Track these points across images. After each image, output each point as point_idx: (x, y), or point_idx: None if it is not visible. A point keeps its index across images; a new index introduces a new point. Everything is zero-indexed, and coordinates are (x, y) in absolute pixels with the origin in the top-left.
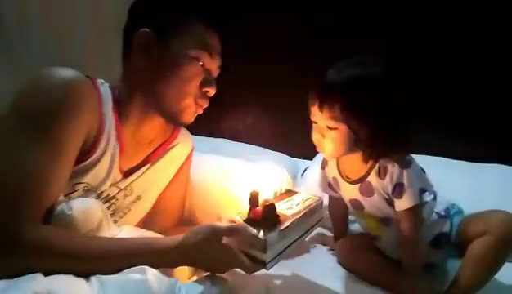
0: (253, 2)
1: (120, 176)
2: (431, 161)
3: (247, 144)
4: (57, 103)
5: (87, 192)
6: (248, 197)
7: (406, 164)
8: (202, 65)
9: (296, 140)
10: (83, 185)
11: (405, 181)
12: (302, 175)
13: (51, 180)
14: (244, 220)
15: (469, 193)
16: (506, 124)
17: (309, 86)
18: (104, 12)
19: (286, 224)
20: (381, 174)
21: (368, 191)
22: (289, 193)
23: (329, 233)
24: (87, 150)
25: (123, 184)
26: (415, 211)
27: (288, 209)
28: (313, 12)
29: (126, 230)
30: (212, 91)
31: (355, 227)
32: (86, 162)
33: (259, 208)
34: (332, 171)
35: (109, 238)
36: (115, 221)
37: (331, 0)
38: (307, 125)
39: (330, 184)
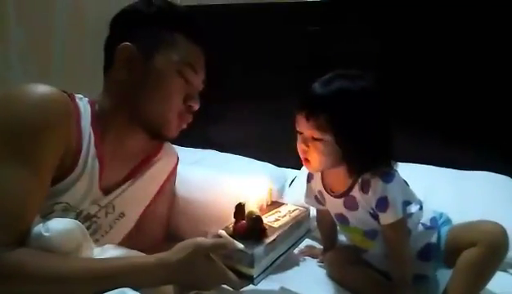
0: (237, 13)
1: (101, 194)
2: (417, 169)
3: (234, 155)
4: (32, 121)
5: (66, 211)
6: (233, 210)
7: (388, 178)
8: (186, 80)
9: (284, 150)
10: (61, 205)
11: (388, 195)
12: (290, 185)
13: (26, 201)
14: (230, 235)
15: (456, 201)
16: (493, 131)
17: (296, 97)
18: (83, 24)
19: (273, 237)
20: (364, 188)
21: (352, 205)
22: (276, 204)
23: (318, 246)
24: (64, 169)
25: (103, 202)
26: (400, 224)
27: (275, 221)
28: (303, 21)
29: (107, 250)
30: (195, 106)
31: (344, 238)
32: (64, 181)
33: (245, 222)
34: (317, 185)
35: (87, 258)
36: (97, 240)
37: (320, 9)
38: (295, 135)
39: (316, 197)
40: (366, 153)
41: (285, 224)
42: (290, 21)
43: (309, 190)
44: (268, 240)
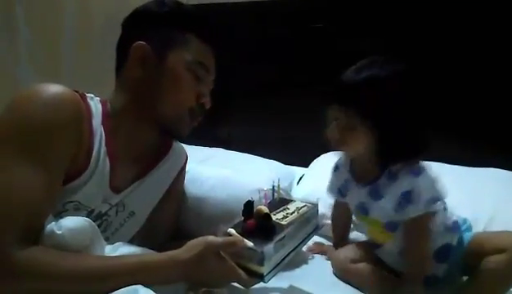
0: (241, 12)
1: (111, 193)
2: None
3: (242, 154)
4: (44, 120)
5: (78, 210)
6: (242, 208)
7: (418, 171)
8: (198, 78)
9: (291, 148)
10: (73, 204)
11: (415, 189)
12: (298, 183)
13: (39, 200)
14: (240, 233)
15: (466, 198)
16: (503, 127)
17: (302, 94)
18: (91, 24)
19: (282, 235)
20: (392, 178)
21: (377, 194)
22: (284, 201)
23: (326, 242)
24: (76, 168)
25: (114, 201)
26: (424, 219)
27: (283, 218)
28: (307, 19)
29: (118, 247)
30: (207, 104)
31: (354, 235)
32: (76, 181)
33: (254, 219)
34: (344, 174)
35: (99, 256)
36: (107, 238)
37: (324, 6)
38: (303, 132)
39: (339, 189)
40: (398, 142)
41: (293, 221)
42: (294, 19)
43: (334, 180)
44: (278, 238)
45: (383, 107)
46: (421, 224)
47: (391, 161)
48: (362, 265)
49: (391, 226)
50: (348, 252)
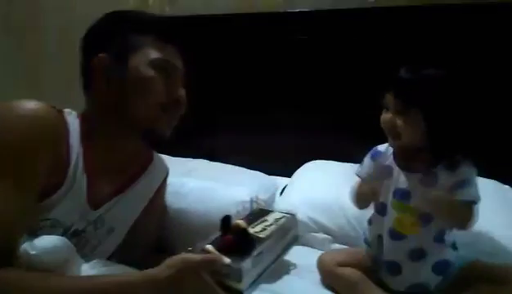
0: (227, 24)
1: (89, 209)
2: None
3: (225, 164)
4: (19, 138)
5: (54, 228)
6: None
7: (471, 164)
8: (164, 75)
9: (274, 158)
10: (48, 221)
11: (472, 178)
12: (281, 193)
13: (12, 220)
14: (218, 249)
15: None
16: (501, 140)
17: (286, 105)
18: (73, 39)
19: (260, 249)
20: (452, 167)
21: (431, 182)
22: (263, 213)
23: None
24: (52, 185)
25: (92, 217)
26: (473, 209)
27: (262, 231)
28: (291, 30)
29: (96, 265)
30: (182, 99)
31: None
32: (51, 198)
33: (232, 234)
34: (385, 160)
35: (73, 277)
36: (85, 255)
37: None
38: (286, 142)
39: (375, 173)
40: (457, 135)
41: (272, 233)
42: (281, 31)
43: (369, 166)
44: (255, 252)
45: (437, 98)
46: (471, 210)
47: (449, 152)
48: (349, 270)
49: (426, 218)
50: (335, 255)
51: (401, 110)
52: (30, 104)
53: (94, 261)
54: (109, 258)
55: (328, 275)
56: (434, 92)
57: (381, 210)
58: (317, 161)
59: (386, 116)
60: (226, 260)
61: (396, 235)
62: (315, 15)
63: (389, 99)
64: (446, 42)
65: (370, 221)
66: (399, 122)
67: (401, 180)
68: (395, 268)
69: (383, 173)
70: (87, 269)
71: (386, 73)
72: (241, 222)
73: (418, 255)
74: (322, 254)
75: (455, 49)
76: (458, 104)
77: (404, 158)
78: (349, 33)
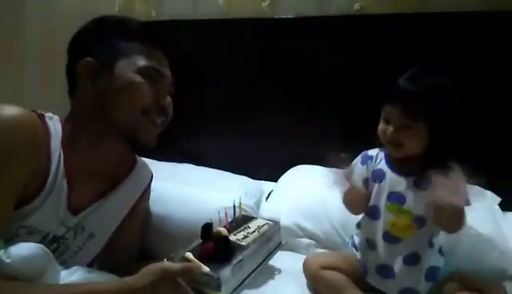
0: (215, 28)
1: (69, 214)
2: None
3: (210, 169)
4: None
5: (31, 234)
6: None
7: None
8: (151, 82)
9: (260, 162)
10: (26, 228)
11: (466, 185)
12: (267, 198)
13: None
14: (197, 257)
15: None
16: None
17: (271, 111)
18: (56, 42)
19: (240, 257)
20: (447, 172)
21: (425, 184)
22: (246, 219)
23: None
24: (31, 192)
25: (72, 223)
26: (464, 214)
27: (243, 238)
28: (279, 37)
29: (75, 272)
30: (168, 106)
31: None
32: (29, 204)
33: (212, 242)
34: (377, 165)
35: (48, 285)
36: (64, 261)
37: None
38: (271, 147)
39: (364, 179)
40: (456, 143)
41: (254, 240)
42: (266, 37)
43: (361, 171)
44: (235, 260)
45: (444, 111)
46: (460, 212)
47: (446, 159)
48: (333, 273)
49: (420, 221)
50: (320, 258)
51: (407, 124)
52: (9, 110)
53: (73, 268)
54: (90, 264)
55: (313, 279)
56: (442, 106)
57: (373, 213)
58: (303, 165)
59: (388, 129)
60: (205, 268)
61: (391, 239)
62: (300, 21)
63: (392, 112)
64: (432, 50)
65: (358, 225)
66: (403, 134)
67: (395, 183)
68: (388, 272)
69: (378, 176)
70: (66, 275)
71: (373, 79)
72: (222, 229)
73: (412, 259)
74: (307, 257)
75: (442, 57)
76: (462, 114)
77: (398, 162)
78: (334, 40)
